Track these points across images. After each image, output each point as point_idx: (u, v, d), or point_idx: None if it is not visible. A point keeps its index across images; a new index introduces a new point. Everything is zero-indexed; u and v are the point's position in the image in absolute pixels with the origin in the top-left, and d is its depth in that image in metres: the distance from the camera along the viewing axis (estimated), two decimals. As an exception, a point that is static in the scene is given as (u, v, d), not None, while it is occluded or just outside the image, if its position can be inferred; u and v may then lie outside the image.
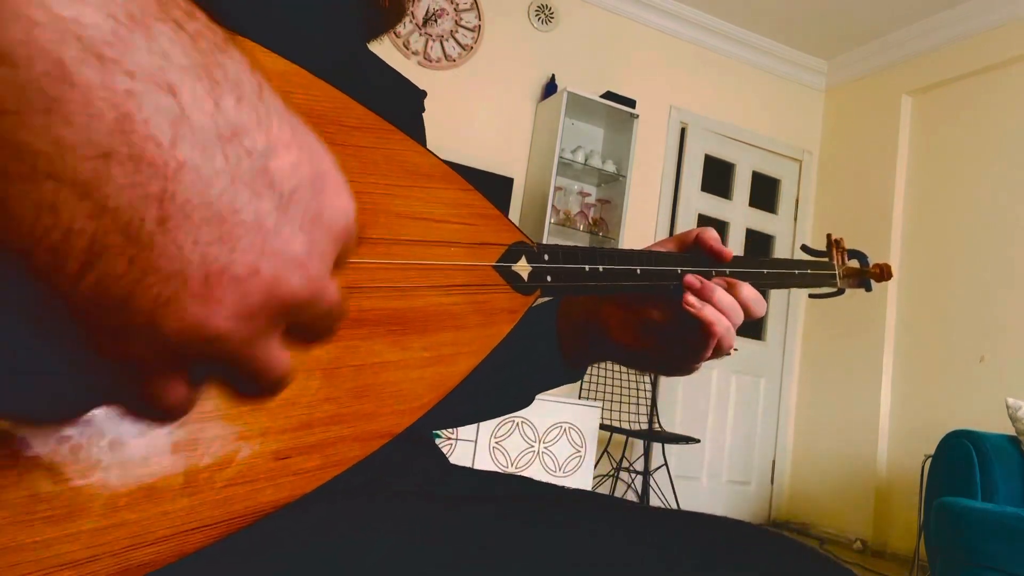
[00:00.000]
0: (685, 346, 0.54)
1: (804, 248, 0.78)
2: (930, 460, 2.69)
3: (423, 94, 0.58)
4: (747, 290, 0.55)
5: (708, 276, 0.55)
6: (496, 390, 0.59)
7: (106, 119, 0.17)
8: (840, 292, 0.75)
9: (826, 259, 0.73)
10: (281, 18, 0.42)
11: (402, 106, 0.55)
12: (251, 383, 0.23)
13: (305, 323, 0.23)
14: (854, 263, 0.76)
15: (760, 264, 0.61)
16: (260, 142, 0.21)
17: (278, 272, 0.21)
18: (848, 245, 0.76)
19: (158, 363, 0.20)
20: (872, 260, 0.78)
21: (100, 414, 0.25)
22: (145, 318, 0.19)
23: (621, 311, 0.57)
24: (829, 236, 0.75)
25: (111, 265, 0.18)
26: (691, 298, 0.52)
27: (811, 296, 0.76)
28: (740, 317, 0.54)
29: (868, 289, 0.77)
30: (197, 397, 0.22)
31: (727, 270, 0.57)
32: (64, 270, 0.18)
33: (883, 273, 0.76)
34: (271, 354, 0.23)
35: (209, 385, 0.23)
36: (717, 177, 4.46)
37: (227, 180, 0.20)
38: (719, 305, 0.53)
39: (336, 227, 0.23)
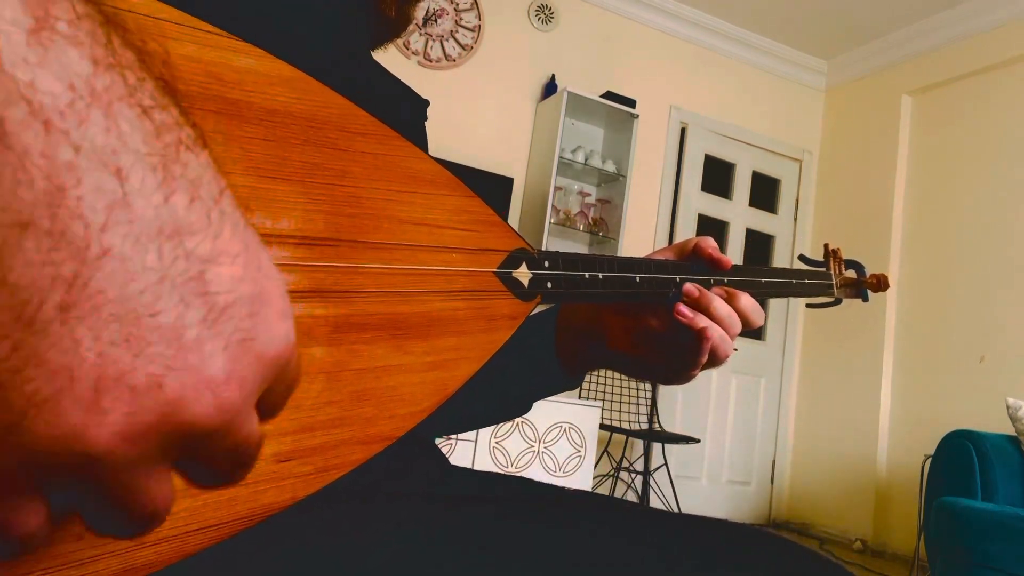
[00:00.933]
0: (682, 354, 0.54)
1: (802, 258, 0.78)
2: (930, 460, 2.70)
3: (426, 103, 0.58)
4: (745, 299, 0.56)
5: (707, 285, 0.56)
6: (495, 396, 0.59)
7: (36, 189, 0.16)
8: (837, 302, 0.75)
9: (823, 269, 0.74)
10: (287, 26, 0.42)
11: (406, 115, 0.55)
12: (115, 518, 0.19)
13: (202, 458, 0.20)
14: (851, 273, 0.77)
15: (758, 273, 0.61)
16: (204, 247, 0.19)
17: (184, 392, 0.18)
18: (847, 248, 0.77)
19: (14, 476, 0.17)
20: (870, 264, 0.78)
21: None
22: (12, 417, 0.16)
23: (621, 319, 0.57)
24: (826, 246, 0.76)
25: None
26: (682, 308, 0.53)
27: (808, 306, 0.76)
28: (737, 327, 0.54)
29: (865, 299, 0.77)
30: (53, 531, 0.19)
31: (725, 279, 0.57)
32: None
33: (880, 283, 0.76)
34: (150, 487, 0.19)
35: (72, 514, 0.20)
36: (717, 177, 4.46)
37: (154, 279, 0.18)
38: (715, 314, 0.53)
39: (268, 355, 0.20)
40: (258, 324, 0.20)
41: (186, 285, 0.18)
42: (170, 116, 0.19)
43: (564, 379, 0.61)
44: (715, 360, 0.54)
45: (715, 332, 0.52)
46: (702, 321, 0.52)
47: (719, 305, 0.53)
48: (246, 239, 0.20)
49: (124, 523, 0.20)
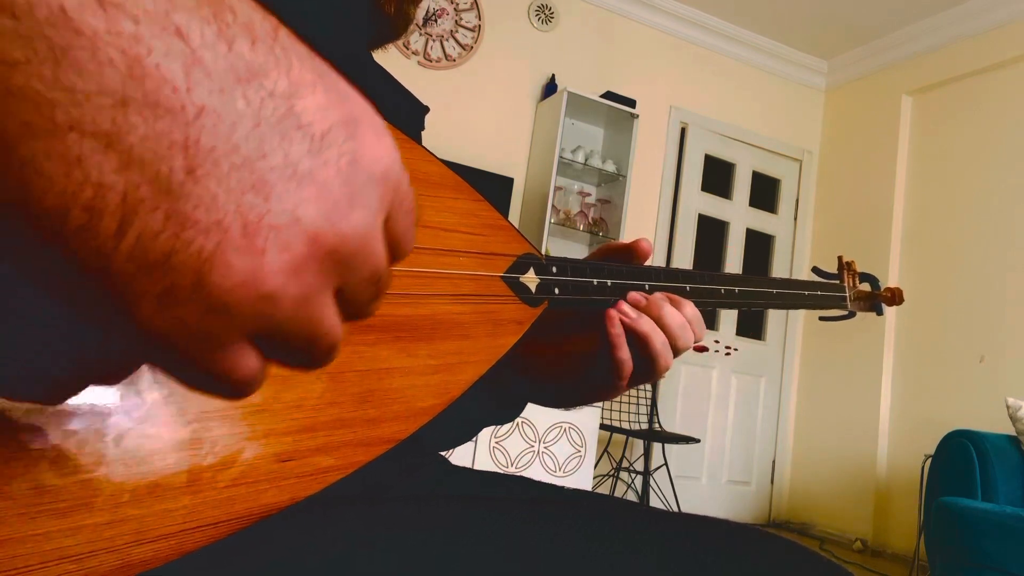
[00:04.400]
0: (608, 371, 0.51)
1: (815, 270, 0.77)
2: (930, 460, 2.70)
3: (425, 110, 0.58)
4: (691, 309, 0.52)
5: (715, 293, 0.55)
6: (442, 424, 0.58)
7: (117, 65, 0.16)
8: (851, 315, 0.74)
9: (837, 281, 0.72)
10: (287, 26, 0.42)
11: (406, 119, 0.55)
12: (304, 352, 0.21)
13: (352, 286, 0.21)
14: (865, 286, 0.75)
15: (771, 284, 0.60)
16: (282, 84, 0.19)
17: (318, 219, 0.19)
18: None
19: (215, 328, 0.19)
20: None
21: (118, 399, 0.24)
22: (192, 276, 0.18)
23: (538, 347, 0.55)
24: (840, 259, 0.75)
25: (147, 221, 0.17)
26: (622, 310, 0.50)
27: (821, 319, 0.75)
28: (689, 340, 0.51)
29: (879, 313, 0.76)
30: (267, 368, 0.21)
31: (735, 288, 0.57)
32: (103, 231, 0.17)
33: (894, 297, 0.75)
34: (326, 318, 0.21)
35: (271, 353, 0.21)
36: (717, 177, 4.46)
37: (251, 124, 0.18)
38: (666, 322, 0.50)
39: (376, 170, 0.21)
40: (358, 146, 0.21)
41: (280, 123, 0.19)
42: None
43: (492, 412, 0.59)
44: (656, 372, 0.51)
45: (657, 339, 0.49)
46: (645, 325, 0.49)
47: (670, 312, 0.51)
48: (316, 67, 0.21)
49: (311, 354, 0.21)
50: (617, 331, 0.49)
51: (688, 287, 0.53)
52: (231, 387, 0.20)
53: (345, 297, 0.22)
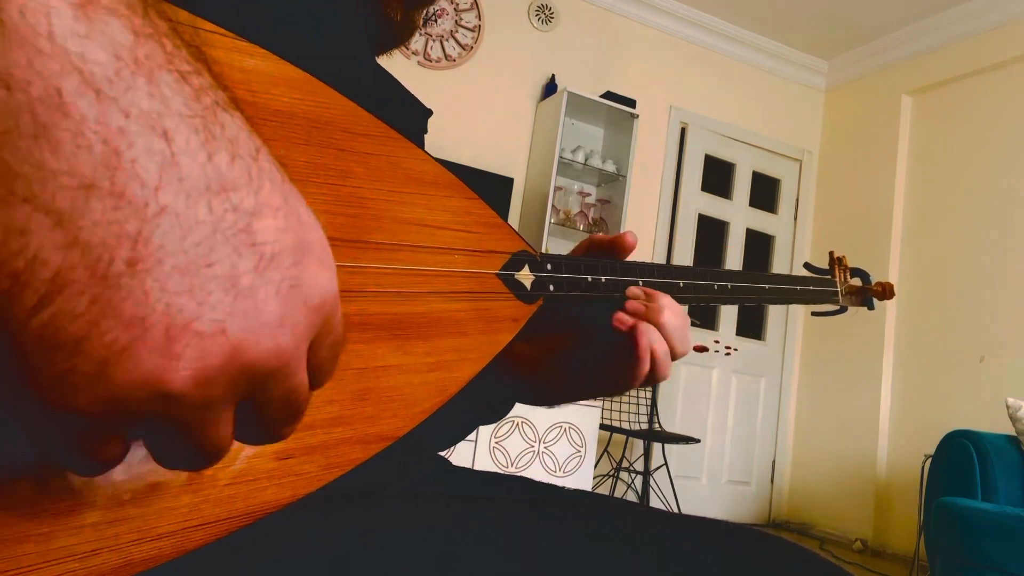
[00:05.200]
0: (609, 371, 0.51)
1: (807, 266, 0.78)
2: (930, 460, 2.70)
3: (429, 113, 0.58)
4: (667, 315, 0.51)
5: (709, 290, 0.55)
6: (436, 423, 0.57)
7: (94, 152, 0.17)
8: (842, 310, 0.74)
9: (829, 276, 0.73)
10: (292, 30, 0.42)
11: (409, 122, 0.55)
12: (187, 454, 0.21)
13: (262, 402, 0.22)
14: (856, 281, 0.76)
15: (762, 280, 0.61)
16: (248, 201, 0.20)
17: (245, 335, 0.20)
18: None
19: (100, 418, 0.19)
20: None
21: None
22: (95, 366, 0.18)
23: (527, 346, 0.55)
24: (831, 254, 0.75)
25: (71, 302, 0.17)
26: (622, 316, 0.49)
27: (814, 314, 0.75)
28: (685, 346, 0.51)
29: (870, 307, 0.77)
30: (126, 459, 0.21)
31: (728, 284, 0.57)
32: (20, 300, 0.17)
33: (885, 291, 0.76)
34: (220, 426, 0.21)
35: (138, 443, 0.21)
36: (717, 177, 4.46)
37: (207, 232, 0.19)
38: (665, 328, 0.50)
39: (314, 300, 0.22)
40: (302, 272, 0.21)
41: (236, 237, 0.20)
42: (205, 80, 0.20)
43: (475, 415, 0.59)
44: (655, 376, 0.50)
45: (661, 349, 0.49)
46: (646, 335, 0.48)
47: (668, 317, 0.50)
48: (285, 193, 0.22)
49: (194, 458, 0.21)
50: (643, 342, 0.48)
51: (681, 283, 0.54)
52: (88, 467, 0.20)
53: (253, 413, 0.22)
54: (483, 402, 0.59)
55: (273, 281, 0.21)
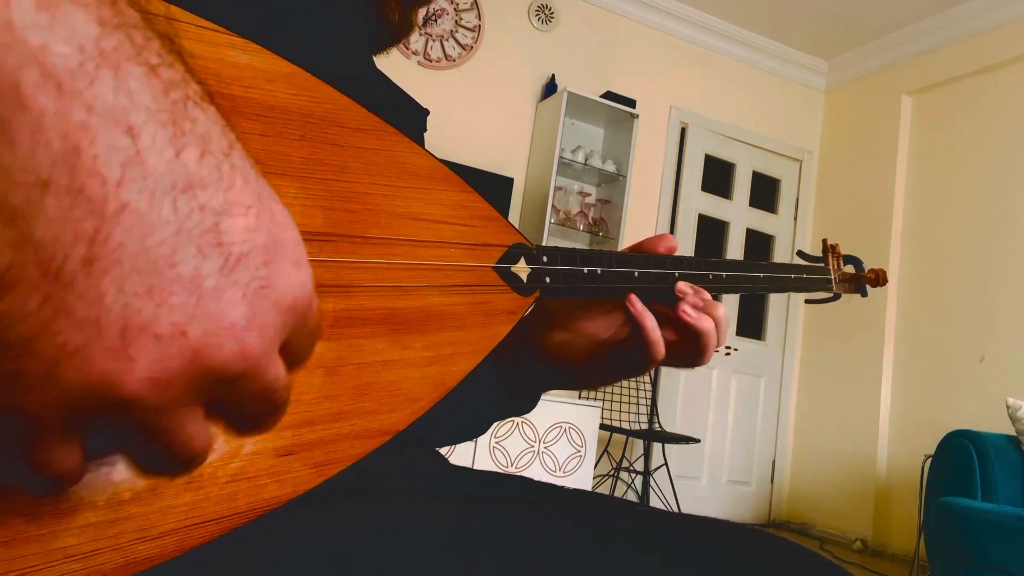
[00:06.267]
0: (636, 356, 0.52)
1: (800, 254, 0.78)
2: (930, 460, 2.70)
3: (426, 113, 0.58)
4: (722, 310, 0.53)
5: (705, 279, 0.55)
6: (451, 417, 0.58)
7: (52, 148, 0.16)
8: (836, 297, 0.75)
9: (822, 264, 0.73)
10: (289, 29, 0.42)
11: (407, 122, 0.55)
12: (158, 459, 0.21)
13: (234, 403, 0.21)
14: (850, 268, 0.76)
15: (757, 268, 0.61)
16: (216, 200, 0.19)
17: (208, 339, 0.19)
18: (847, 248, 0.76)
19: (49, 421, 0.18)
20: (869, 263, 0.78)
21: None
22: (45, 366, 0.17)
23: (560, 333, 0.55)
24: (825, 241, 0.76)
25: (21, 301, 0.17)
26: (687, 308, 0.51)
27: (807, 302, 0.76)
28: (723, 335, 0.52)
29: (864, 294, 0.77)
30: (90, 468, 0.20)
31: (723, 273, 0.57)
32: None
33: (878, 278, 0.76)
34: (185, 429, 0.20)
35: (113, 456, 0.21)
36: (717, 177, 4.46)
37: (171, 232, 0.18)
38: (714, 315, 0.51)
39: (285, 303, 0.21)
40: (274, 273, 0.21)
41: (202, 237, 0.19)
42: (177, 73, 0.19)
43: (509, 403, 0.60)
44: (698, 358, 0.52)
45: (711, 338, 0.51)
46: (706, 323, 0.50)
47: (722, 313, 0.52)
48: (258, 191, 0.21)
49: (167, 462, 0.21)
50: (692, 320, 0.50)
51: (677, 273, 0.54)
52: (40, 482, 0.20)
53: (229, 411, 0.22)
54: (510, 395, 0.60)
55: (240, 282, 0.20)
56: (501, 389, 0.59)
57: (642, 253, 0.54)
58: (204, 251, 0.19)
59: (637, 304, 0.50)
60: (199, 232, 0.19)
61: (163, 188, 0.18)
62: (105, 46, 0.18)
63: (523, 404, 0.61)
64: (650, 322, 0.50)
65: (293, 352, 0.23)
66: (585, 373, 0.56)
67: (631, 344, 0.52)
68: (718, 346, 0.52)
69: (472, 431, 0.61)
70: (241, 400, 0.21)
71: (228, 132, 0.21)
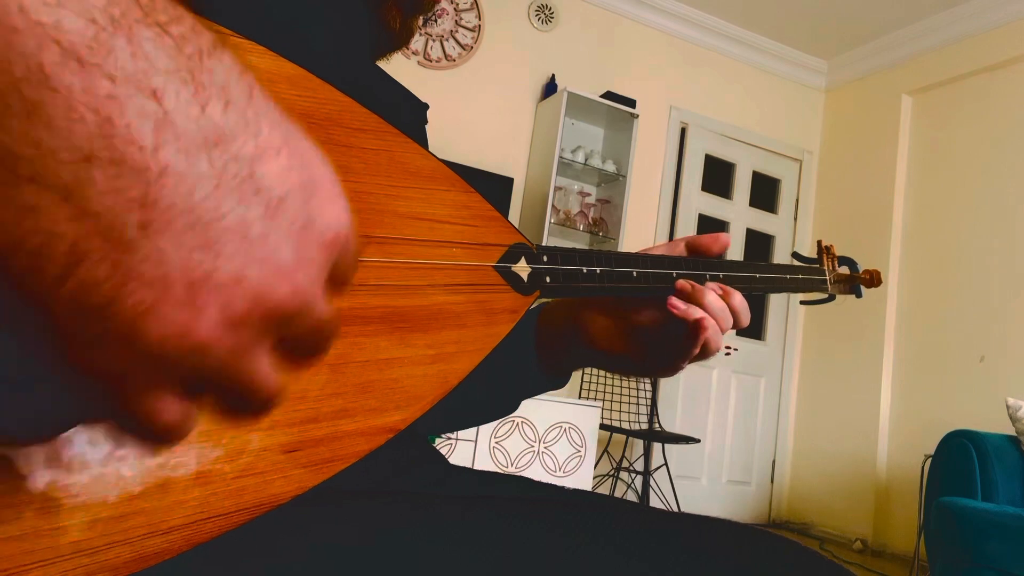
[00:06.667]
0: (672, 348, 0.55)
1: (795, 255, 0.79)
2: (930, 460, 2.70)
3: (425, 107, 0.59)
4: (738, 298, 0.57)
5: (702, 279, 0.56)
6: (480, 396, 0.60)
7: (87, 123, 0.17)
8: (831, 298, 0.75)
9: (817, 265, 0.74)
10: (290, 31, 0.43)
11: (408, 120, 0.56)
12: (241, 399, 0.22)
13: (293, 338, 0.23)
14: (844, 270, 0.77)
15: (752, 268, 0.62)
16: (248, 147, 0.20)
17: (264, 280, 0.20)
18: (847, 248, 0.77)
19: (142, 375, 0.19)
20: (870, 264, 0.79)
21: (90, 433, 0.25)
22: (126, 326, 0.18)
23: (603, 317, 0.58)
24: (820, 243, 0.76)
25: (92, 270, 0.18)
26: (675, 300, 0.54)
27: (803, 303, 0.77)
28: (729, 322, 0.56)
29: (858, 295, 0.78)
30: (195, 416, 0.22)
31: (720, 274, 0.58)
32: (44, 274, 0.17)
33: (873, 279, 0.76)
34: (260, 369, 0.22)
35: (204, 403, 0.22)
36: (717, 177, 4.46)
37: (212, 185, 0.19)
38: (710, 308, 0.54)
39: (327, 236, 0.22)
40: (313, 210, 0.22)
41: (240, 186, 0.20)
42: (186, 26, 0.20)
43: (547, 379, 0.62)
44: (706, 352, 0.55)
45: (710, 324, 0.54)
46: (696, 312, 0.53)
47: (713, 299, 0.55)
48: (285, 132, 0.21)
49: (249, 402, 0.22)
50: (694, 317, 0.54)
51: (675, 273, 0.55)
52: (154, 432, 0.21)
53: (289, 346, 0.23)
54: (550, 371, 0.62)
55: (283, 225, 0.21)
56: (539, 365, 0.61)
57: (658, 255, 0.56)
58: (245, 199, 0.20)
59: (680, 305, 0.54)
60: (237, 182, 0.20)
61: (196, 145, 0.19)
62: (114, 12, 0.18)
63: (558, 381, 0.63)
64: (697, 313, 0.53)
65: (339, 277, 0.24)
66: (621, 361, 0.59)
67: (672, 336, 0.55)
68: (726, 329, 0.55)
69: (504, 408, 0.64)
70: (299, 334, 0.23)
71: (247, 75, 0.21)
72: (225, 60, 0.20)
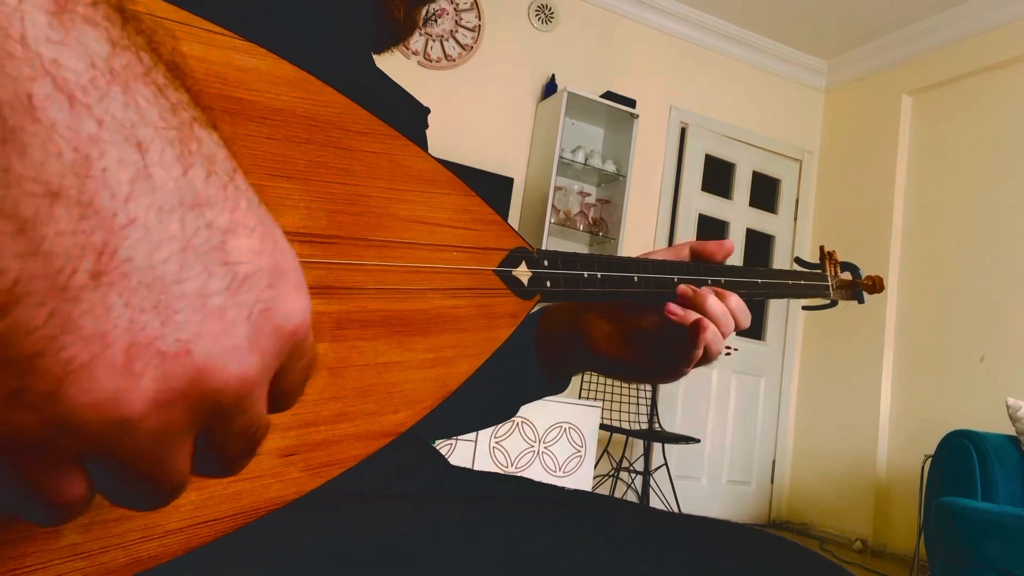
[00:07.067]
0: (673, 353, 0.55)
1: (797, 260, 0.79)
2: (930, 460, 2.70)
3: (427, 111, 0.59)
4: (735, 299, 0.57)
5: (704, 284, 0.56)
6: (480, 401, 0.60)
7: (63, 159, 0.16)
8: (833, 304, 0.75)
9: (819, 270, 0.74)
10: (291, 30, 0.42)
11: (408, 121, 0.56)
12: (139, 489, 0.19)
13: (220, 435, 0.20)
14: (847, 275, 0.77)
15: (755, 274, 0.62)
16: (223, 219, 0.19)
17: (211, 356, 0.19)
18: (847, 248, 0.77)
19: (56, 444, 0.17)
20: (870, 264, 0.79)
21: None
22: (49, 384, 0.16)
23: (604, 322, 0.58)
24: (822, 248, 0.76)
25: (27, 315, 0.16)
26: (672, 307, 0.54)
27: (805, 308, 0.77)
28: (730, 325, 0.56)
29: (861, 301, 0.78)
30: (91, 498, 0.19)
31: (722, 279, 0.58)
32: None
33: (875, 285, 0.76)
34: (176, 459, 0.19)
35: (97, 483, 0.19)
36: (717, 177, 4.46)
37: (178, 248, 0.18)
38: (709, 312, 0.54)
39: (286, 329, 0.21)
40: (276, 296, 0.20)
41: (208, 255, 0.19)
42: (183, 96, 0.20)
43: (545, 384, 0.62)
44: (708, 357, 0.55)
45: (710, 328, 0.54)
46: (694, 316, 0.54)
47: (713, 303, 0.55)
48: (260, 214, 0.21)
49: (148, 494, 0.20)
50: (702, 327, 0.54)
51: (676, 278, 0.55)
52: (48, 510, 0.18)
53: (209, 444, 0.21)
54: (551, 376, 0.62)
55: (245, 304, 0.20)
56: (540, 370, 0.61)
57: (659, 260, 0.57)
58: (210, 269, 0.19)
59: (678, 311, 0.54)
60: (206, 250, 0.19)
61: (171, 204, 0.18)
62: (115, 64, 0.18)
63: (558, 385, 0.63)
64: (695, 317, 0.53)
65: (286, 387, 0.22)
66: (623, 367, 0.59)
67: (674, 341, 0.55)
68: (727, 332, 0.55)
69: (504, 413, 0.64)
70: (226, 433, 0.21)
71: (231, 157, 0.21)
72: (214, 136, 0.20)
